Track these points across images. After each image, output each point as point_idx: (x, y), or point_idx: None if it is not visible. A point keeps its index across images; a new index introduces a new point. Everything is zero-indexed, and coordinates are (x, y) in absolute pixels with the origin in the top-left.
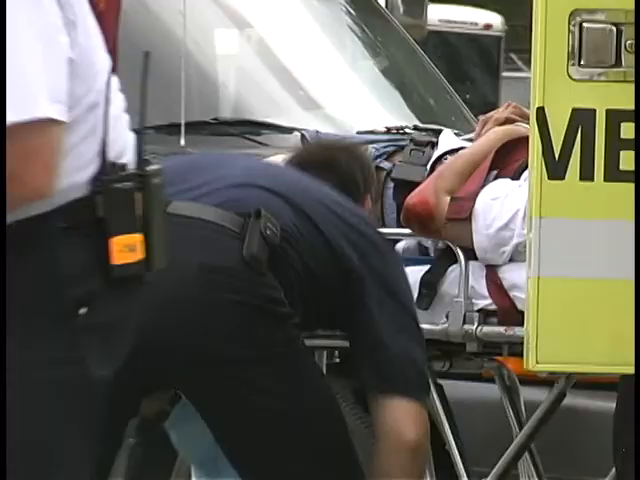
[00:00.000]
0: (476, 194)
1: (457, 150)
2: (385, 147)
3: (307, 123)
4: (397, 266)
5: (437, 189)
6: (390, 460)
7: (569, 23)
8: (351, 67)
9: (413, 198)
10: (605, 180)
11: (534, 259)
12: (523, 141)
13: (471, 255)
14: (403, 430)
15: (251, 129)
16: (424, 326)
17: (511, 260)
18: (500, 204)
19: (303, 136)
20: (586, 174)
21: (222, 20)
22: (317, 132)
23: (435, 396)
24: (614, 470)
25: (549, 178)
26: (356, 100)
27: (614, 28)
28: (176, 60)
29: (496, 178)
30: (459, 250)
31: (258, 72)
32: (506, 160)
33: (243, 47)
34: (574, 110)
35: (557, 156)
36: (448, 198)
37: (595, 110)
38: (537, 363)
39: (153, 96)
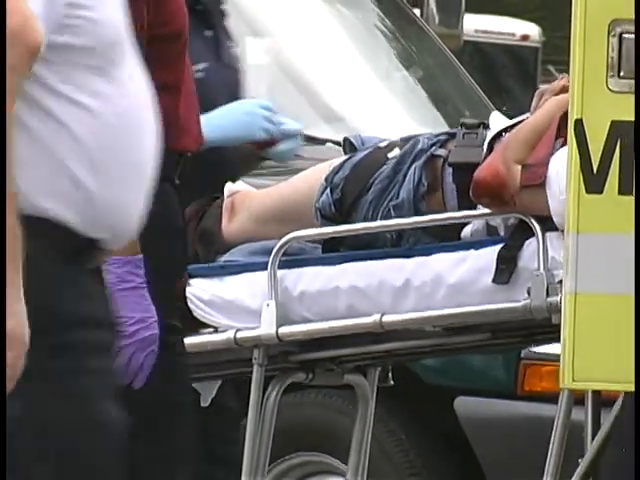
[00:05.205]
0: (547, 160)
1: (514, 126)
2: (437, 136)
3: (334, 135)
4: None
5: (506, 159)
6: None
7: (608, 33)
8: (385, 78)
9: (483, 171)
10: None
11: (571, 275)
12: None
13: (547, 226)
14: None
15: None
16: (504, 306)
17: None
18: None
19: (346, 140)
20: (625, 188)
21: (248, 29)
22: (359, 136)
23: None
24: None
25: (587, 192)
26: (388, 111)
27: None
28: None
29: (562, 146)
30: (534, 221)
31: (288, 83)
32: None
33: (270, 57)
34: (613, 122)
35: (595, 169)
36: (519, 167)
37: (634, 122)
38: (574, 381)
39: None
